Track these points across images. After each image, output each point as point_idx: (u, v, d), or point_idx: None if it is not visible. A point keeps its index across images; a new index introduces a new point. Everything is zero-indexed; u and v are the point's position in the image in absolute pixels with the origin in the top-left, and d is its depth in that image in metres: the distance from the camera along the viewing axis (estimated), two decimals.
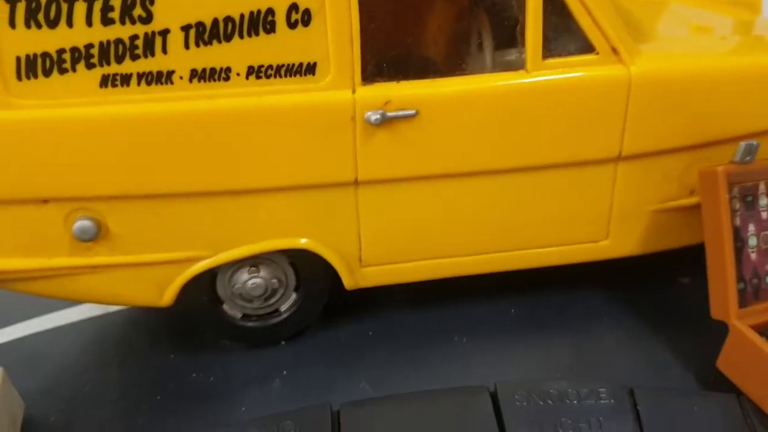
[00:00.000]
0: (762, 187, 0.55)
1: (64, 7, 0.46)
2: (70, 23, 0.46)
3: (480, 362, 0.57)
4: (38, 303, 0.62)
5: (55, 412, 0.55)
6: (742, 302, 0.57)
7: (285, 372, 0.58)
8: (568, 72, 0.52)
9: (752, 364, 0.54)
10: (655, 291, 0.63)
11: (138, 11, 0.47)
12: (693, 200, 0.58)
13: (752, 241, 0.56)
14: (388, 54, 0.53)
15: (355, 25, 0.49)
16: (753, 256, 0.56)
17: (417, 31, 0.55)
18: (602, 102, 0.53)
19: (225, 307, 0.59)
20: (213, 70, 0.49)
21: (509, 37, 0.54)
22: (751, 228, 0.56)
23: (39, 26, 0.47)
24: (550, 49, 0.53)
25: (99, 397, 0.57)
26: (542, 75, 0.52)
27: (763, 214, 0.57)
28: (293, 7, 0.48)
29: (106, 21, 0.46)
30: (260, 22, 0.49)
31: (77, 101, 0.49)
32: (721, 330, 0.54)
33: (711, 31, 0.64)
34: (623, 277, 0.66)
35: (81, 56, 0.48)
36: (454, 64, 0.55)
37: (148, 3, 0.48)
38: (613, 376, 0.54)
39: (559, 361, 0.57)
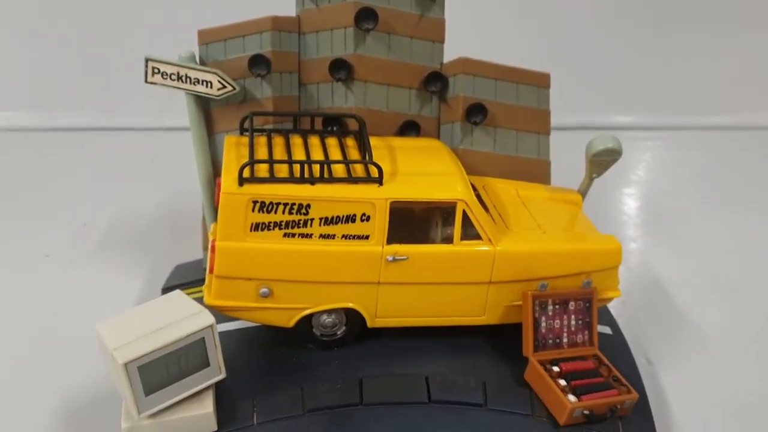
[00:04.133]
0: (549, 301, 1.23)
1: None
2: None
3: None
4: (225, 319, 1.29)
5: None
6: (535, 349, 1.24)
7: (337, 361, 1.20)
8: (470, 247, 1.16)
9: (535, 376, 1.21)
10: (515, 344, 1.26)
11: (303, 211, 1.13)
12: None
13: (542, 324, 1.24)
14: (397, 234, 1.15)
15: (386, 222, 1.11)
16: (543, 330, 1.23)
17: (410, 223, 1.15)
18: (483, 259, 1.16)
19: (314, 330, 1.20)
20: (329, 235, 1.16)
21: (447, 227, 1.19)
22: (543, 319, 1.23)
23: (267, 212, 1.14)
24: (464, 236, 1.16)
25: (267, 369, 1.18)
26: (460, 247, 1.15)
27: (549, 313, 1.24)
28: (364, 214, 1.15)
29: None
30: (350, 218, 1.15)
31: (273, 241, 1.13)
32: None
33: (543, 225, 1.24)
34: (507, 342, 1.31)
35: (277, 226, 1.15)
36: (423, 237, 1.16)
37: (305, 210, 1.14)
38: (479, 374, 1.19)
39: (460, 364, 1.22)
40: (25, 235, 1.77)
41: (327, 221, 1.11)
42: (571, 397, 1.09)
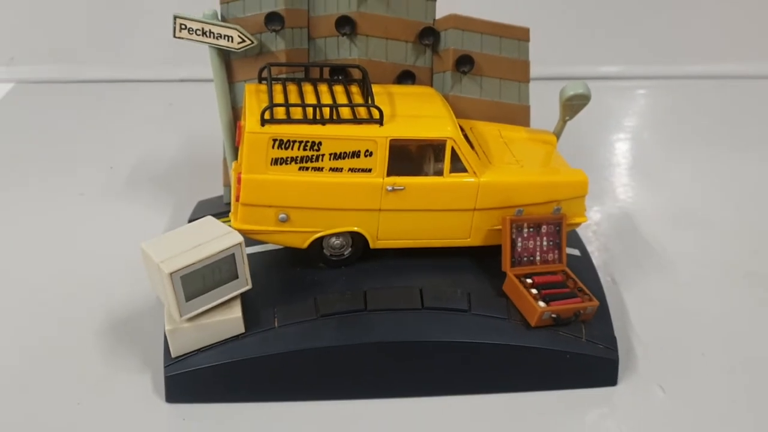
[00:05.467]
0: (524, 225, 1.43)
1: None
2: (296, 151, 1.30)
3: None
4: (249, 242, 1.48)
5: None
6: (512, 265, 1.44)
7: (344, 277, 1.41)
8: (458, 178, 1.35)
9: (512, 287, 1.42)
10: (496, 262, 1.46)
11: (315, 147, 1.32)
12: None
13: (518, 244, 1.44)
14: (395, 167, 1.34)
15: (386, 157, 1.31)
16: (518, 249, 1.43)
17: (407, 158, 1.36)
18: (469, 189, 1.35)
19: (324, 251, 1.40)
20: (338, 168, 1.35)
21: (439, 162, 1.41)
22: (519, 240, 1.43)
23: (285, 148, 1.33)
24: (452, 169, 1.35)
25: (285, 283, 1.38)
26: (449, 179, 1.34)
27: (524, 235, 1.44)
28: (367, 150, 1.34)
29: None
30: (355, 154, 1.35)
31: (290, 174, 1.32)
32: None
33: (521, 161, 1.42)
34: (489, 260, 1.49)
35: (293, 161, 1.35)
36: (418, 171, 1.35)
37: (317, 146, 1.33)
38: (464, 286, 1.39)
39: (449, 279, 1.44)
40: (60, 178, 1.96)
41: (336, 156, 1.30)
42: (541, 303, 1.30)
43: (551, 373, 1.32)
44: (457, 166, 1.35)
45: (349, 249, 1.41)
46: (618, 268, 1.66)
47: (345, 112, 1.33)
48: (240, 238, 1.24)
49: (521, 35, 1.55)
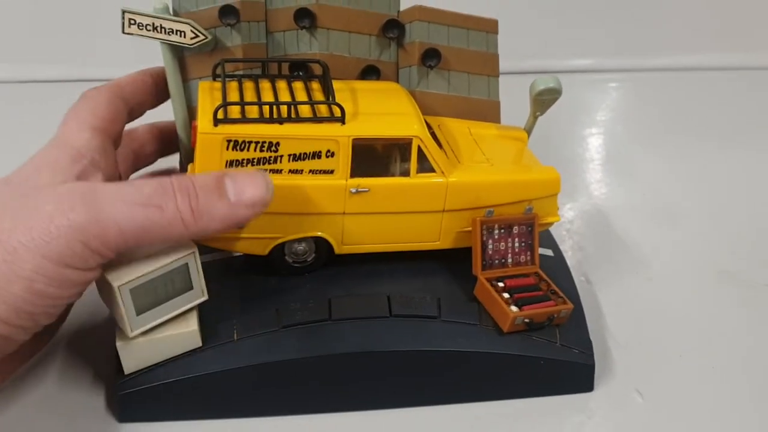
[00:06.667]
0: (495, 226, 1.37)
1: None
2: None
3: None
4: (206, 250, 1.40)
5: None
6: (483, 268, 1.39)
7: (308, 284, 1.36)
8: (425, 179, 1.29)
9: (483, 292, 1.37)
10: (466, 265, 1.39)
11: (273, 148, 1.25)
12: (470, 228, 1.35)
13: (489, 246, 1.38)
14: (359, 168, 1.28)
15: (349, 157, 1.26)
16: (489, 252, 1.38)
17: (371, 158, 1.28)
18: (437, 190, 1.29)
19: (286, 257, 1.34)
20: (298, 170, 1.28)
21: (405, 162, 1.35)
22: (489, 242, 1.38)
23: (240, 150, 1.25)
24: (419, 169, 1.29)
25: (244, 293, 1.32)
26: (416, 179, 1.28)
27: (495, 237, 1.39)
28: (329, 151, 1.27)
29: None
30: (316, 155, 1.28)
31: None
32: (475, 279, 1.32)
33: (491, 159, 1.37)
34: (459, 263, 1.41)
35: (250, 163, 1.27)
36: (383, 171, 1.29)
37: (274, 147, 1.26)
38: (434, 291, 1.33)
39: (418, 284, 1.38)
40: None
41: (295, 157, 1.23)
42: (514, 308, 1.24)
43: (525, 380, 1.27)
44: (425, 165, 1.29)
45: (313, 255, 1.34)
46: (592, 267, 1.62)
47: (304, 110, 1.26)
48: (193, 247, 1.17)
49: (489, 27, 1.49)
